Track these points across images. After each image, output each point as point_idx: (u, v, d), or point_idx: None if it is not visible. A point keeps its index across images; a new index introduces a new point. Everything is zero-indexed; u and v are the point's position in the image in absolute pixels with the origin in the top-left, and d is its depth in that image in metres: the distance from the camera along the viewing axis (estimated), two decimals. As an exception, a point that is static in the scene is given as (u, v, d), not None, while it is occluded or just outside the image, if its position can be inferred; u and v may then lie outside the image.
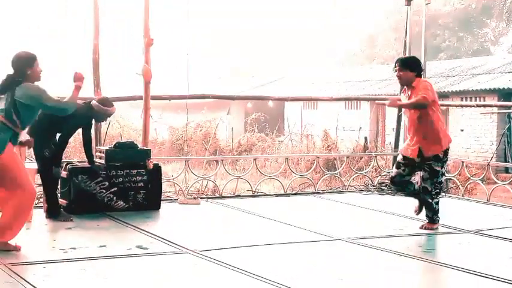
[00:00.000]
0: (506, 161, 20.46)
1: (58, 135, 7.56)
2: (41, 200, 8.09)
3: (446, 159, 7.34)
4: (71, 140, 8.02)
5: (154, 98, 9.54)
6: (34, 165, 7.49)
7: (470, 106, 17.76)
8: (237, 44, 43.71)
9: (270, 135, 22.70)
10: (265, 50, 43.18)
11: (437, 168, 7.16)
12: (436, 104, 7.13)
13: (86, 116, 7.59)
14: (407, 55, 11.10)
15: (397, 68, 7.23)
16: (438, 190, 7.35)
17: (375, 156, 12.14)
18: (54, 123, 7.36)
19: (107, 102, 7.70)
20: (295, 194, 10.35)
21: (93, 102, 7.64)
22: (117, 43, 29.47)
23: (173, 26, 30.47)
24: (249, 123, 24.33)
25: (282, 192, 10.46)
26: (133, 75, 9.35)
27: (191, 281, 5.33)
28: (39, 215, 7.64)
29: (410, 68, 7.18)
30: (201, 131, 22.98)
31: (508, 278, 5.40)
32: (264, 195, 10.23)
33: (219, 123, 23.29)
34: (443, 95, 22.09)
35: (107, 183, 7.95)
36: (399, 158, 7.52)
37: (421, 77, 7.30)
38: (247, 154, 20.01)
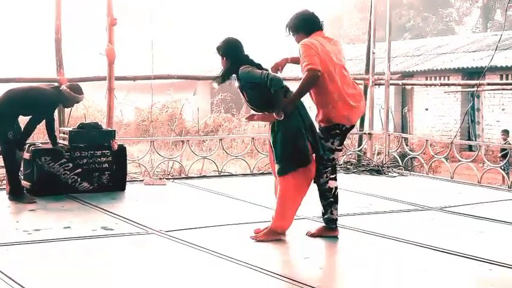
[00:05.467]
0: (469, 139, 20.73)
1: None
2: (3, 182, 8.00)
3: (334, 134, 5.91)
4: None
5: (119, 78, 9.44)
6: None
7: (435, 85, 17.88)
8: (208, 24, 43.45)
9: (236, 116, 22.67)
10: (235, 28, 43.01)
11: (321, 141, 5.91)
12: (324, 67, 5.71)
13: (55, 102, 7.54)
14: (371, 35, 11.16)
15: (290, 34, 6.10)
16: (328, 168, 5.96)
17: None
18: (21, 107, 7.28)
19: (77, 89, 7.62)
20: (262, 174, 10.36)
21: (63, 87, 7.56)
22: (80, 23, 29.09)
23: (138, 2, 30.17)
24: (216, 103, 24.26)
25: (249, 172, 10.47)
26: (97, 55, 9.26)
27: (157, 261, 5.32)
28: (1, 196, 7.54)
29: (296, 30, 6.01)
30: (166, 111, 22.87)
31: (470, 254, 5.49)
32: (230, 175, 10.23)
33: (185, 104, 23.18)
34: (408, 75, 22.27)
35: (71, 165, 7.86)
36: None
37: (314, 33, 5.93)
38: (213, 135, 19.97)
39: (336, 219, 5.99)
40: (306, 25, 5.95)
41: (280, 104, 5.66)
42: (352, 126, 6.03)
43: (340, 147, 5.99)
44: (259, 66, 5.87)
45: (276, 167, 5.83)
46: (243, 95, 5.91)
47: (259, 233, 5.90)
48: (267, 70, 5.85)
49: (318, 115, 5.91)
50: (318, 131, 5.90)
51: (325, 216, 5.97)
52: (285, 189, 5.78)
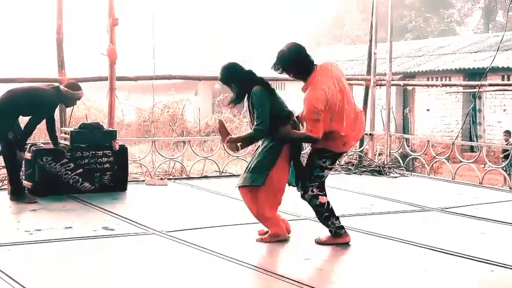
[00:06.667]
0: (471, 140, 20.70)
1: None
2: (5, 182, 8.00)
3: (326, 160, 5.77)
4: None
5: (120, 78, 9.45)
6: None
7: (436, 86, 17.91)
8: (208, 24, 43.46)
9: (237, 116, 22.65)
10: (236, 31, 43.03)
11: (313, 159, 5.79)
12: (333, 113, 5.56)
13: (55, 102, 7.55)
14: (373, 35, 11.15)
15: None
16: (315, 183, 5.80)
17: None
18: (21, 107, 7.30)
19: (74, 86, 7.63)
20: (263, 174, 10.33)
21: (61, 87, 7.57)
22: (82, 23, 29.11)
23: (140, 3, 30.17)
24: (217, 104, 24.25)
25: (250, 172, 10.45)
26: (99, 56, 9.26)
27: (158, 261, 5.32)
28: (2, 196, 7.54)
29: (287, 70, 5.68)
30: (168, 112, 22.86)
31: (472, 255, 5.48)
32: (232, 175, 10.22)
33: (187, 104, 23.17)
34: (410, 75, 22.26)
35: (72, 165, 7.86)
36: None
37: (311, 72, 5.59)
38: (214, 135, 19.97)
39: (342, 226, 5.88)
40: (296, 68, 5.64)
41: (240, 138, 5.97)
42: (344, 153, 5.99)
43: (331, 167, 5.86)
44: (268, 86, 5.86)
45: (245, 175, 5.84)
46: (249, 107, 5.90)
47: (265, 235, 5.89)
48: (279, 99, 5.84)
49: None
50: (310, 152, 5.81)
51: (330, 229, 5.83)
52: (248, 202, 5.87)
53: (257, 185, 5.74)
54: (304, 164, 5.89)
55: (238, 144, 6.00)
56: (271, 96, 5.79)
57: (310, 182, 5.76)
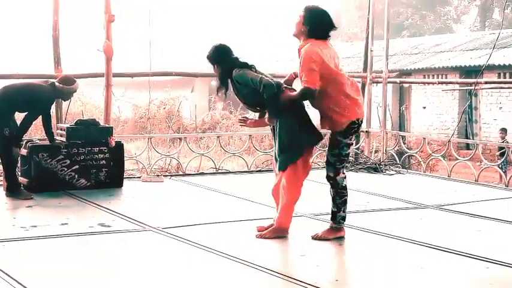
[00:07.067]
0: (467, 137, 20.74)
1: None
2: (1, 178, 7.98)
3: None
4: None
5: (116, 75, 9.44)
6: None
7: (433, 83, 17.91)
8: (207, 23, 43.42)
9: (234, 113, 22.63)
10: (233, 27, 42.99)
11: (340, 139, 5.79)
12: (330, 75, 5.64)
13: (52, 98, 7.55)
14: (369, 33, 11.15)
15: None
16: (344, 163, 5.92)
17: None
18: (18, 103, 7.29)
19: (69, 81, 7.62)
20: (259, 171, 10.36)
21: (56, 83, 7.56)
22: (78, 19, 29.05)
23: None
24: (213, 100, 24.23)
25: (246, 169, 10.47)
26: (95, 52, 9.25)
27: (154, 258, 5.31)
28: (-2, 193, 7.54)
29: (309, 22, 5.70)
30: (164, 108, 22.82)
31: (467, 252, 5.49)
32: (228, 172, 10.22)
33: (183, 101, 23.14)
34: (406, 73, 22.28)
35: (68, 161, 7.85)
36: None
37: (315, 38, 5.69)
38: (211, 132, 19.96)
39: (345, 217, 5.91)
40: (317, 25, 5.70)
41: (272, 110, 5.74)
42: (361, 122, 5.99)
43: (353, 142, 6.00)
44: (251, 67, 5.89)
45: (278, 161, 5.83)
46: (238, 95, 5.92)
47: (265, 231, 5.89)
48: (261, 74, 5.85)
49: (327, 122, 5.80)
50: (334, 136, 5.81)
51: (338, 215, 5.84)
52: (287, 184, 5.79)
53: (293, 162, 5.72)
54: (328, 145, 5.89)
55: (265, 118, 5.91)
56: (252, 71, 5.81)
57: (340, 163, 5.81)
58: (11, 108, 7.35)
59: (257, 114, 6.21)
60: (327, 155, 5.91)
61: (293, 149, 5.76)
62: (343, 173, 5.83)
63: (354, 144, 6.07)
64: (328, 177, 5.85)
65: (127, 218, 6.54)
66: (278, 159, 5.84)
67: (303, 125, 5.78)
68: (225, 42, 6.13)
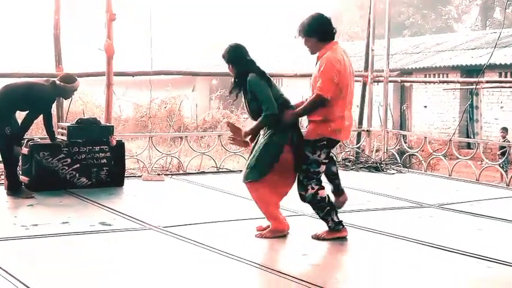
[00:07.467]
0: (468, 136, 20.72)
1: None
2: (2, 177, 7.98)
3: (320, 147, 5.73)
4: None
5: (117, 74, 9.44)
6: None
7: (434, 82, 17.88)
8: (208, 23, 43.43)
9: (235, 112, 22.64)
10: (234, 27, 42.98)
11: (308, 154, 5.73)
12: (342, 88, 5.62)
13: (53, 97, 7.55)
14: (371, 32, 11.15)
15: (300, 36, 5.83)
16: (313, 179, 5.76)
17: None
18: (19, 102, 7.29)
19: (69, 79, 7.62)
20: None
21: (57, 81, 7.56)
22: (80, 18, 29.05)
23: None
24: (214, 99, 24.24)
25: (247, 168, 10.45)
26: (96, 51, 9.25)
27: (155, 257, 5.31)
28: None
29: (309, 33, 5.72)
30: (165, 108, 22.82)
31: (469, 251, 5.49)
32: (229, 171, 10.22)
33: (184, 100, 23.15)
34: (407, 72, 22.27)
35: (69, 160, 7.85)
36: None
37: (329, 42, 5.73)
38: (212, 131, 19.96)
39: (341, 221, 5.85)
40: (321, 30, 5.70)
41: (255, 127, 5.79)
42: (337, 142, 5.97)
43: (326, 161, 5.79)
44: (268, 79, 5.84)
45: (247, 171, 5.80)
46: (244, 98, 5.89)
47: (264, 231, 5.89)
48: (274, 88, 5.83)
49: (308, 131, 5.76)
50: (303, 150, 5.74)
51: (329, 225, 5.80)
52: (254, 199, 5.83)
53: (254, 180, 5.72)
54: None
55: (248, 138, 5.94)
56: (268, 84, 5.78)
57: (308, 180, 5.72)
58: (12, 107, 7.35)
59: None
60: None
61: (260, 169, 5.72)
62: (312, 188, 5.71)
63: (324, 164, 5.80)
64: (300, 197, 5.81)
65: (128, 216, 6.54)
66: (246, 168, 5.83)
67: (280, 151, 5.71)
68: (238, 41, 6.06)
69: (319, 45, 5.71)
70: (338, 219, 5.83)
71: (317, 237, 5.83)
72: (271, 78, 5.94)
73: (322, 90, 5.51)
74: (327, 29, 5.71)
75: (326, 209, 5.76)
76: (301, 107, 5.72)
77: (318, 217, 6.03)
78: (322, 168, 5.78)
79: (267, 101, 5.66)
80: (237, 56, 5.88)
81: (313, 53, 5.80)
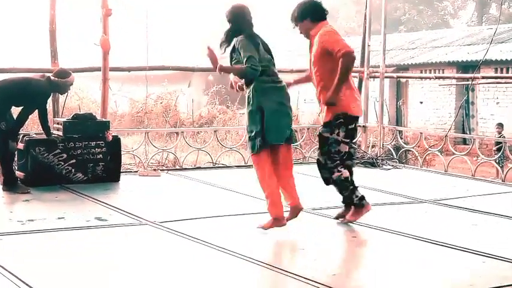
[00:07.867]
0: (464, 132, 20.74)
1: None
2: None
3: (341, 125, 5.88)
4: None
5: (113, 69, 9.42)
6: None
7: (430, 78, 17.94)
8: (207, 23, 43.35)
9: (231, 108, 22.63)
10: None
11: (326, 135, 5.90)
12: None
13: (48, 92, 7.54)
14: (367, 28, 11.14)
15: (294, 24, 6.07)
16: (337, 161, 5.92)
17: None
18: (14, 98, 7.28)
19: (64, 74, 7.61)
20: (256, 165, 10.33)
21: (51, 77, 7.55)
22: (75, 13, 28.99)
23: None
24: (210, 95, 24.20)
25: (243, 164, 10.46)
26: (92, 46, 9.23)
27: (151, 252, 5.32)
28: (-5, 187, 7.54)
29: (302, 16, 5.95)
30: (161, 103, 22.79)
31: (464, 246, 5.50)
32: (225, 166, 10.23)
33: (180, 96, 23.12)
34: (403, 68, 22.26)
35: (65, 155, 7.85)
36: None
37: (321, 22, 5.93)
38: (208, 126, 19.95)
39: (363, 195, 5.97)
40: (313, 11, 5.89)
41: (231, 68, 5.78)
42: (356, 118, 5.99)
43: (347, 140, 5.85)
44: (253, 37, 5.83)
45: (249, 144, 5.79)
46: (230, 59, 5.88)
47: (265, 223, 5.86)
48: (265, 51, 5.82)
49: (325, 115, 5.82)
50: (321, 127, 5.85)
51: (355, 202, 5.94)
52: (257, 177, 5.83)
53: (253, 154, 5.73)
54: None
55: (238, 84, 5.89)
56: (255, 47, 5.73)
57: (332, 162, 5.81)
58: (7, 102, 7.34)
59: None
60: (317, 157, 5.94)
61: (255, 140, 5.71)
62: (338, 171, 5.81)
63: (347, 145, 5.86)
64: (325, 181, 5.84)
65: (124, 212, 6.54)
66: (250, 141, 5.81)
67: (275, 117, 5.69)
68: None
69: (312, 26, 5.87)
70: (360, 193, 5.95)
71: (347, 221, 5.98)
72: (267, 44, 5.92)
73: (344, 46, 5.59)
74: (319, 9, 5.90)
75: (350, 188, 5.90)
76: (337, 77, 5.66)
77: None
78: (343, 147, 5.83)
79: (249, 59, 5.60)
80: (235, 16, 5.90)
81: (307, 35, 5.95)
